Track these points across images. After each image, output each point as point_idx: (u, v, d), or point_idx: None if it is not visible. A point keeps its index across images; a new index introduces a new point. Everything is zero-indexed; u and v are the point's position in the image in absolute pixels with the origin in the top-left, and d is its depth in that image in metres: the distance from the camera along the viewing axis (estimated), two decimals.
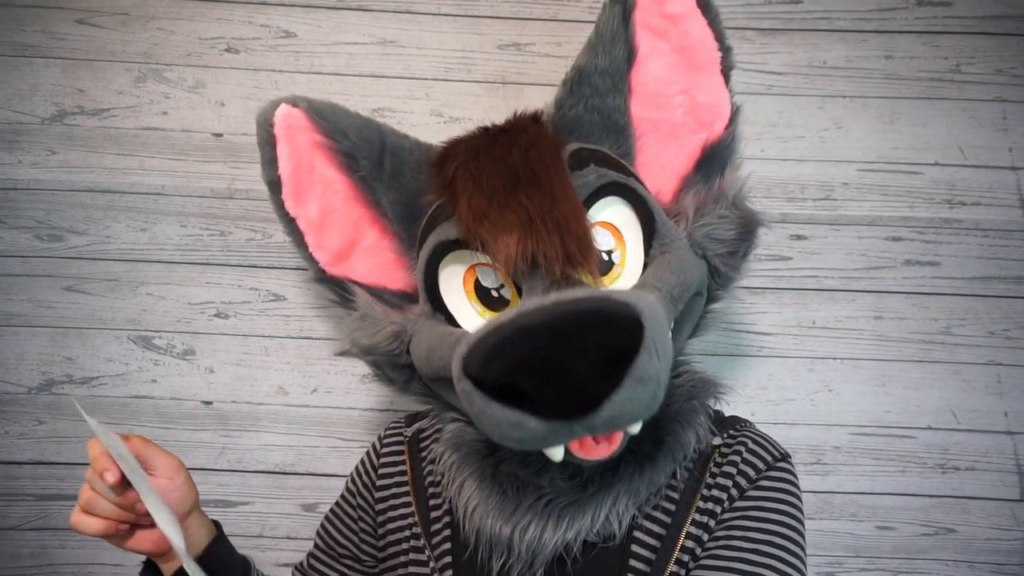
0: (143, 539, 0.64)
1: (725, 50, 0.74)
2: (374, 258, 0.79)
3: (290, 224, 0.79)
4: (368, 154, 0.77)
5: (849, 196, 1.01)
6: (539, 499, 0.63)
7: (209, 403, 1.01)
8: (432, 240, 0.68)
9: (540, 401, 0.52)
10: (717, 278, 0.72)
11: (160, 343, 1.01)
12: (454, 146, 0.69)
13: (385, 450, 0.78)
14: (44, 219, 1.02)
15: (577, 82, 0.73)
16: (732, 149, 0.76)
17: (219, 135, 1.03)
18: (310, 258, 0.80)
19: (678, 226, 0.70)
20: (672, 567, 0.62)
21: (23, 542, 1.00)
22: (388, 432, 0.80)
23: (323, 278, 0.80)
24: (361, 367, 1.01)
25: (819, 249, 1.01)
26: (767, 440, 0.69)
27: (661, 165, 0.76)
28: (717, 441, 0.68)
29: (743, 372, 1.00)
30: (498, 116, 1.01)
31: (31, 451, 1.00)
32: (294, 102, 0.76)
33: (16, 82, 1.03)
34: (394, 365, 0.73)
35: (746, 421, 0.72)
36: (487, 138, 0.67)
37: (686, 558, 0.62)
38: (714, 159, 0.75)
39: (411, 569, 0.69)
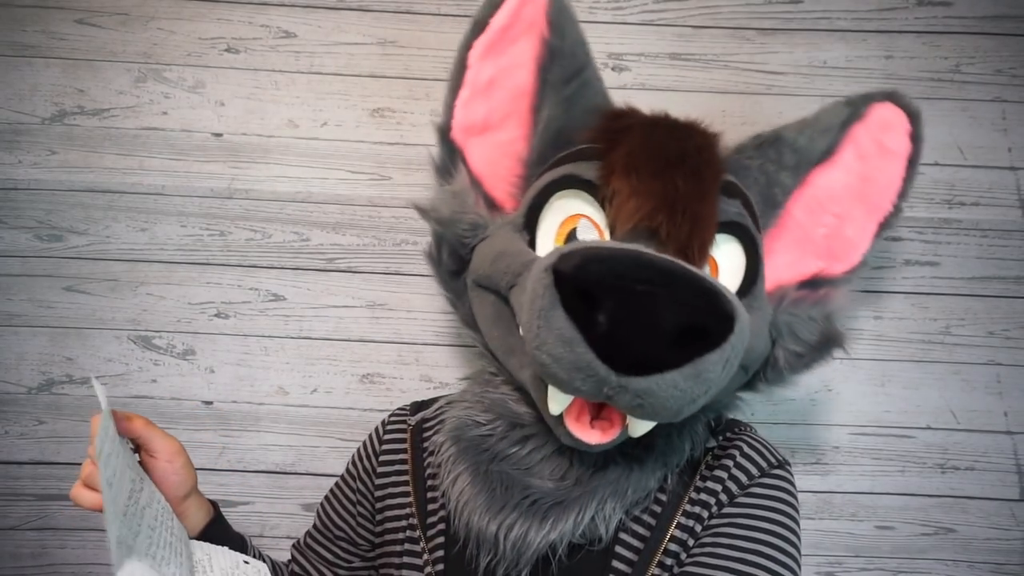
0: None
1: (897, 208, 0.77)
2: (497, 154, 0.78)
3: (460, 68, 0.79)
4: (564, 64, 0.76)
5: None
6: (525, 498, 0.63)
7: (209, 403, 1.01)
8: (564, 170, 0.69)
9: (607, 331, 0.51)
10: (768, 372, 0.72)
11: (160, 343, 1.01)
12: (633, 111, 0.71)
13: (388, 437, 0.78)
14: (44, 219, 1.02)
15: (770, 144, 0.76)
16: (836, 288, 0.77)
17: (219, 135, 1.03)
18: (450, 109, 0.79)
19: (770, 302, 0.71)
20: (654, 569, 0.61)
21: (23, 542, 1.00)
22: (392, 419, 0.80)
23: (444, 132, 0.79)
24: (361, 367, 1.01)
25: None
26: (764, 445, 0.67)
27: (776, 265, 0.76)
28: (711, 443, 0.67)
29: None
30: None
31: (31, 451, 1.00)
32: None
33: (16, 82, 1.03)
34: (454, 250, 0.74)
35: (746, 425, 0.70)
36: (668, 121, 0.69)
37: (669, 561, 0.61)
38: (814, 288, 0.76)
39: (406, 559, 0.70)
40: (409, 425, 0.77)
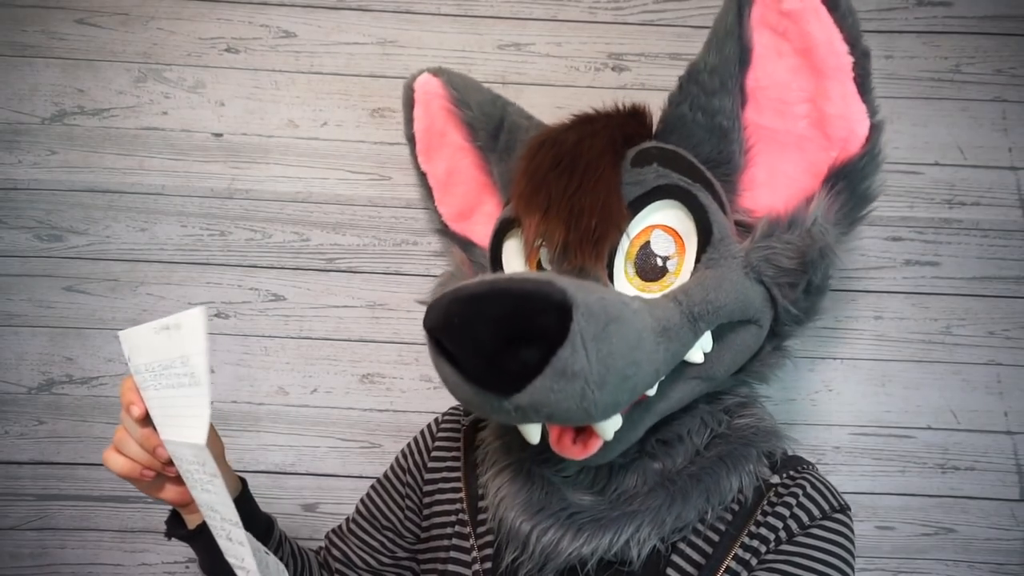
0: (168, 490, 0.65)
1: (859, 54, 0.65)
2: (491, 225, 0.80)
3: (421, 177, 0.91)
4: (486, 126, 0.83)
5: None
6: (563, 509, 0.63)
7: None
8: (502, 215, 0.70)
9: (461, 364, 0.53)
10: (780, 316, 0.67)
11: None
12: (545, 131, 0.69)
13: (441, 434, 0.80)
14: (44, 219, 1.02)
15: (686, 79, 0.69)
16: (866, 172, 0.66)
17: (219, 135, 1.03)
18: (435, 210, 0.91)
19: (741, 242, 0.65)
20: None
21: (23, 542, 1.00)
22: (447, 417, 0.82)
23: (444, 231, 0.90)
24: (361, 367, 1.01)
25: None
26: (828, 488, 0.66)
27: (782, 180, 0.69)
28: (775, 480, 0.66)
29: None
30: None
31: (31, 451, 1.00)
32: (436, 72, 0.87)
33: (16, 82, 1.03)
34: None
35: (809, 463, 0.69)
36: (567, 125, 0.68)
37: None
38: (843, 180, 0.67)
39: (452, 554, 0.71)
40: (463, 425, 0.79)
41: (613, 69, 1.03)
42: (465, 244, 0.86)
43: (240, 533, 0.57)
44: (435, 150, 0.88)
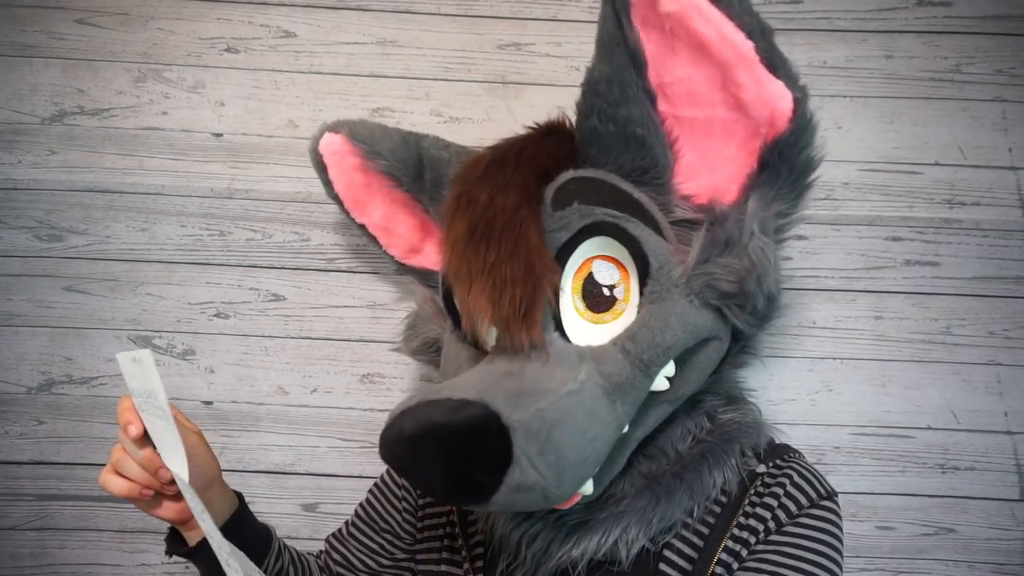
0: (167, 508, 0.65)
1: (758, 37, 0.59)
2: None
3: (361, 228, 0.91)
4: (405, 171, 0.82)
5: (849, 196, 1.01)
6: (550, 513, 0.63)
7: (209, 403, 1.01)
8: (441, 269, 0.68)
9: (426, 491, 0.56)
10: (739, 329, 0.64)
11: (160, 343, 1.01)
12: (465, 167, 0.67)
13: None
14: (44, 219, 1.02)
15: (588, 90, 0.64)
16: (802, 143, 0.63)
17: (219, 135, 1.03)
18: (386, 254, 0.91)
19: (682, 261, 0.62)
20: None
21: (23, 542, 1.00)
22: None
23: (402, 269, 0.91)
24: (361, 367, 1.01)
25: (819, 249, 1.01)
26: (814, 475, 0.66)
27: (719, 161, 0.65)
28: (761, 469, 0.66)
29: (743, 372, 1.00)
30: (498, 116, 1.03)
31: (31, 451, 1.00)
32: (335, 128, 0.85)
33: (16, 82, 1.03)
34: (436, 364, 0.76)
35: (795, 452, 0.69)
36: (483, 165, 0.64)
37: None
38: (779, 158, 0.63)
39: (444, 555, 0.72)
40: None
41: None
42: (425, 274, 0.87)
43: (236, 563, 0.59)
44: (364, 202, 0.88)
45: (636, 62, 0.62)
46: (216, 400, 1.01)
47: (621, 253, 0.62)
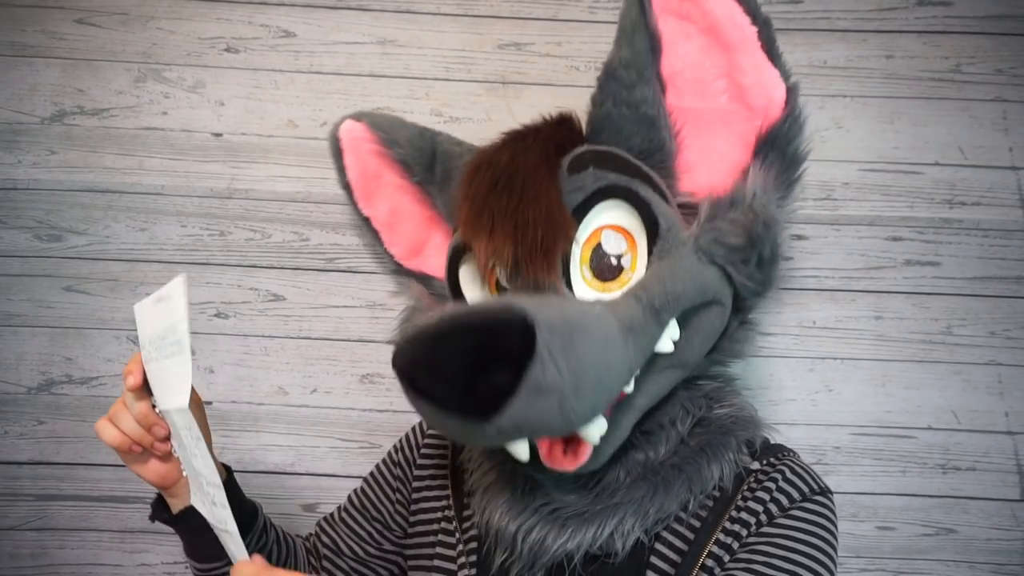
0: (153, 468, 0.66)
1: (761, 24, 0.67)
2: (443, 256, 0.81)
3: (365, 222, 0.91)
4: (419, 161, 0.84)
5: (849, 196, 1.01)
6: (545, 505, 0.64)
7: (209, 403, 1.01)
8: (451, 243, 0.70)
9: (437, 398, 0.54)
10: (739, 287, 0.67)
11: None
12: (479, 154, 0.69)
13: (431, 431, 0.81)
14: (44, 219, 1.02)
15: (604, 77, 0.70)
16: (791, 135, 0.68)
17: (219, 135, 1.03)
18: (385, 252, 0.91)
19: (688, 227, 0.66)
20: None
21: (23, 542, 1.00)
22: None
23: (399, 270, 0.91)
24: (361, 367, 1.01)
25: (819, 249, 1.01)
26: (808, 472, 0.67)
27: (716, 158, 0.71)
28: (755, 466, 0.67)
29: (743, 372, 1.00)
30: (498, 116, 1.03)
31: (31, 451, 1.00)
32: (358, 117, 0.87)
33: (16, 82, 1.03)
34: None
35: (790, 451, 0.70)
36: (499, 145, 0.68)
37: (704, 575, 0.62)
38: (772, 147, 0.68)
39: (438, 550, 0.72)
40: None
41: None
42: (422, 278, 0.88)
43: (223, 496, 0.60)
44: (373, 193, 0.89)
45: (654, 46, 0.69)
46: (216, 400, 1.01)
47: (631, 220, 0.65)
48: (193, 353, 1.00)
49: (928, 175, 1.01)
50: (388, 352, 1.00)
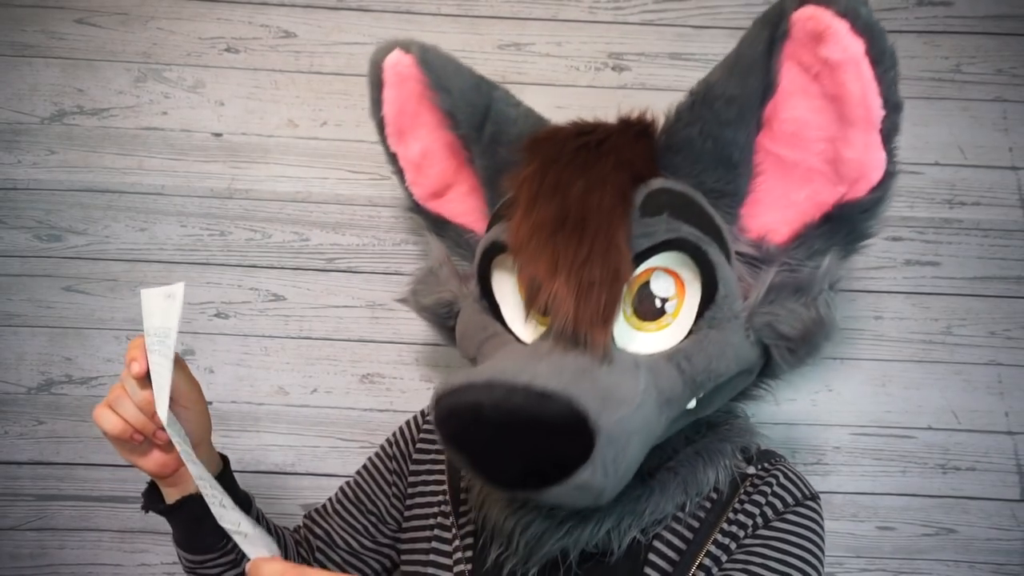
0: (154, 458, 0.64)
1: (891, 109, 0.62)
2: (467, 203, 0.79)
3: (391, 158, 0.83)
4: (468, 117, 0.74)
5: None
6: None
7: (209, 403, 1.00)
8: (491, 234, 0.66)
9: (480, 470, 0.56)
10: (768, 370, 0.67)
11: None
12: (543, 141, 0.65)
13: (427, 426, 0.81)
14: (43, 219, 1.02)
15: (701, 101, 0.64)
16: (869, 218, 0.66)
17: (219, 135, 1.03)
18: (407, 191, 0.84)
19: (744, 289, 0.64)
20: None
21: (23, 542, 1.00)
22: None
23: (416, 209, 0.84)
24: (361, 367, 1.01)
25: None
26: (800, 478, 0.69)
27: (785, 203, 0.67)
28: (751, 470, 0.68)
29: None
30: None
31: (31, 451, 1.00)
32: (407, 48, 0.76)
33: (16, 82, 1.03)
34: (443, 327, 0.77)
35: (781, 456, 0.72)
36: (571, 148, 0.63)
37: (701, 575, 0.63)
38: (844, 220, 0.66)
39: (434, 544, 0.72)
40: None
41: (613, 69, 1.02)
42: (438, 221, 0.83)
43: (230, 500, 0.60)
44: (408, 132, 0.80)
45: (767, 92, 0.63)
46: (216, 400, 1.01)
47: (687, 270, 0.62)
48: (193, 353, 1.01)
49: (928, 175, 1.01)
50: (388, 352, 1.01)
